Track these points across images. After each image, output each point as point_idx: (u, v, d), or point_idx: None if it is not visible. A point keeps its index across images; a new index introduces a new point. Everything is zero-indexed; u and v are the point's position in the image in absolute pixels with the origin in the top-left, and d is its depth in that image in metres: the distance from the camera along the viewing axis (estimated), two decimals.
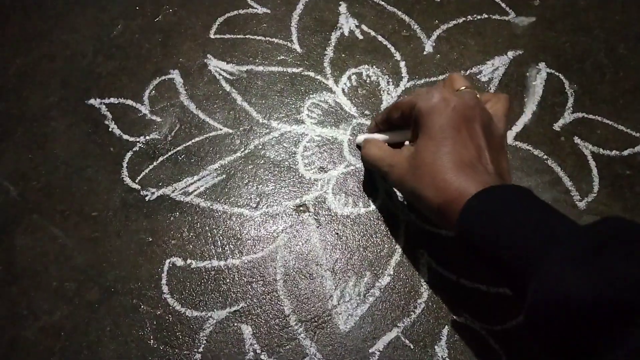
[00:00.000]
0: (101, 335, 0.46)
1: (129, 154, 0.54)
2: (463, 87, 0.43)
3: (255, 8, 0.64)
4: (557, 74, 0.59)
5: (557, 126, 0.56)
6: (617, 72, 0.59)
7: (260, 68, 0.60)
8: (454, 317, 0.46)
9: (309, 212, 0.51)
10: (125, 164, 0.54)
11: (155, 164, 0.54)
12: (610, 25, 0.63)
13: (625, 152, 0.54)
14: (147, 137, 0.55)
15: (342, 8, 0.63)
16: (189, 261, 0.49)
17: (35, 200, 0.52)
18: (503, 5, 0.64)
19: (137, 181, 0.53)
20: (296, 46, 0.61)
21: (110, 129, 0.56)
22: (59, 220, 0.51)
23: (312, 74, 0.59)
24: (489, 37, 0.62)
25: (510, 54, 0.60)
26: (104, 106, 0.57)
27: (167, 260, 0.49)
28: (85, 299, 0.47)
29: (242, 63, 0.60)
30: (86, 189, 0.52)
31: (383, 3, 0.64)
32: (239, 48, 0.61)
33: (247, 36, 0.62)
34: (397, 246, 0.49)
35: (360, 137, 0.51)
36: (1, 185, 0.53)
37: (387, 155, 0.45)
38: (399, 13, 0.63)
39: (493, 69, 0.59)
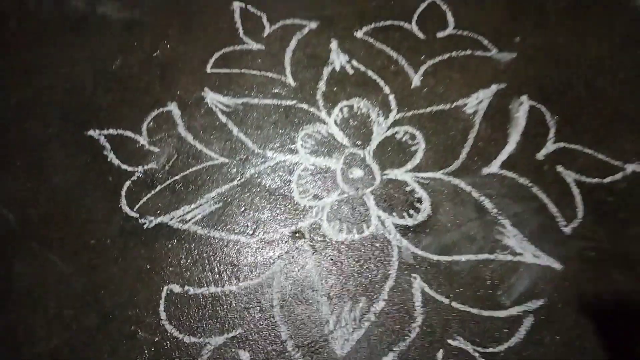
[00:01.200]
0: None
1: (127, 183, 0.55)
2: None
3: (250, 45, 0.66)
4: (538, 106, 0.62)
5: (540, 155, 0.58)
6: (595, 103, 0.62)
7: (256, 100, 0.62)
8: (448, 340, 0.47)
9: (305, 238, 0.52)
10: (123, 193, 0.55)
11: (153, 192, 0.55)
12: (588, 59, 0.66)
13: (607, 180, 0.57)
14: (145, 167, 0.56)
15: (333, 45, 0.66)
16: (186, 288, 0.49)
17: (34, 228, 0.52)
18: (485, 42, 0.67)
19: (135, 209, 0.54)
20: (290, 80, 0.63)
21: (109, 159, 0.57)
22: (58, 247, 0.51)
23: (305, 106, 0.61)
24: (474, 72, 0.65)
25: (494, 87, 0.63)
26: (103, 137, 0.58)
27: (165, 287, 0.49)
28: (83, 325, 0.47)
29: (238, 96, 0.62)
30: (85, 217, 0.53)
31: (372, 40, 0.67)
32: (234, 82, 0.63)
33: (242, 70, 0.64)
34: (391, 271, 0.51)
35: None
36: (1, 213, 0.53)
37: None
38: (387, 50, 0.66)
39: (478, 101, 0.62)
